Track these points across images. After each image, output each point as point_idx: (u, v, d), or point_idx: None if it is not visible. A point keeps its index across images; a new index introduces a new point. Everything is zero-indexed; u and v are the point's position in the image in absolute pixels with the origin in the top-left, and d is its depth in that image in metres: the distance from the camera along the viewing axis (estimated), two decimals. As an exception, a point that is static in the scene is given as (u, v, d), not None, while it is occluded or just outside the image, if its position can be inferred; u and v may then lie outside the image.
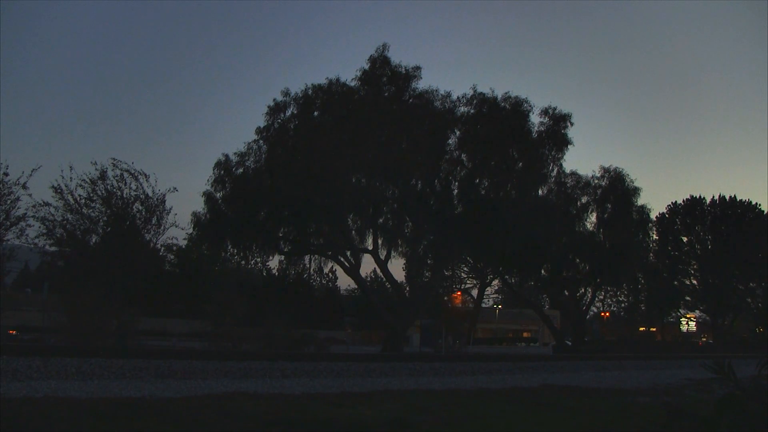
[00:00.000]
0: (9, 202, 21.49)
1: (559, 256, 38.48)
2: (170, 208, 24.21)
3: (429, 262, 34.35)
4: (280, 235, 32.38)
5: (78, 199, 22.73)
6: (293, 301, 45.62)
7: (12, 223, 21.67)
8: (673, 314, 66.81)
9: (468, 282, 46.64)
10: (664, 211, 60.31)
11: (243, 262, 35.23)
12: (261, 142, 31.40)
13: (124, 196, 23.28)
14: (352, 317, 57.25)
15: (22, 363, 11.11)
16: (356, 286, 43.67)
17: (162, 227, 23.89)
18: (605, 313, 63.64)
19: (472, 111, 32.22)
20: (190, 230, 30.44)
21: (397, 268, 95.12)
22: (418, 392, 12.14)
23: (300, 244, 32.77)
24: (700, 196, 59.29)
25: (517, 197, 31.72)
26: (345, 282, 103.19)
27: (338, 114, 29.85)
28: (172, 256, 54.13)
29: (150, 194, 23.69)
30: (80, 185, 22.73)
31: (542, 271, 40.33)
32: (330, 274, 61.04)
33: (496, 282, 47.33)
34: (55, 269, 32.03)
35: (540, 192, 34.86)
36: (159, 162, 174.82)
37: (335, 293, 64.95)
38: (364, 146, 28.30)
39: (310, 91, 31.55)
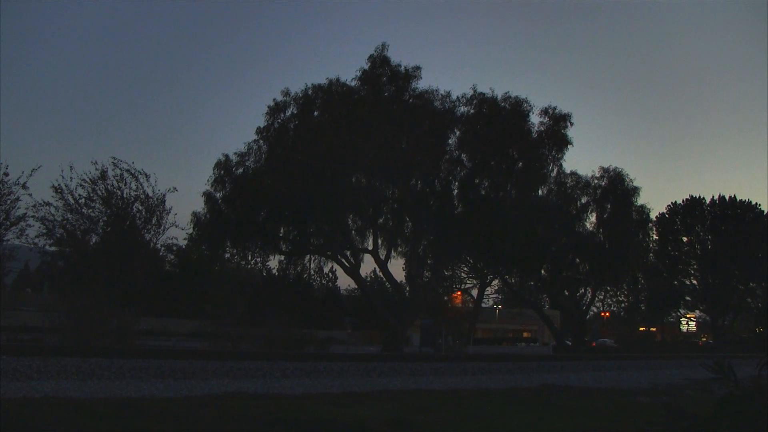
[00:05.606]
0: (9, 202, 21.45)
1: (559, 256, 38.46)
2: (170, 208, 24.14)
3: (429, 262, 34.30)
4: (280, 235, 32.37)
5: (78, 199, 22.68)
6: (293, 301, 45.53)
7: (12, 223, 21.62)
8: (673, 314, 66.74)
9: (468, 282, 46.46)
10: (664, 211, 60.26)
11: (243, 262, 35.18)
12: (261, 142, 31.42)
13: (124, 196, 23.23)
14: (352, 317, 57.19)
15: (22, 363, 11.11)
16: (356, 286, 43.60)
17: (162, 227, 23.83)
18: (605, 313, 63.60)
19: (472, 111, 32.19)
20: (190, 230, 30.48)
21: (397, 268, 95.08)
22: (418, 392, 12.14)
23: (300, 244, 32.74)
24: (700, 196, 59.19)
25: (517, 197, 31.70)
26: (345, 282, 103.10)
27: (338, 114, 29.82)
28: (172, 256, 54.16)
29: (150, 194, 23.65)
30: (80, 185, 22.63)
31: (542, 271, 40.29)
32: (330, 274, 60.85)
33: (496, 282, 47.19)
34: (55, 269, 31.99)
35: (540, 192, 34.87)
36: (159, 162, 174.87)
37: (335, 293, 64.90)
38: (364, 146, 28.29)
39: (310, 91, 31.57)
